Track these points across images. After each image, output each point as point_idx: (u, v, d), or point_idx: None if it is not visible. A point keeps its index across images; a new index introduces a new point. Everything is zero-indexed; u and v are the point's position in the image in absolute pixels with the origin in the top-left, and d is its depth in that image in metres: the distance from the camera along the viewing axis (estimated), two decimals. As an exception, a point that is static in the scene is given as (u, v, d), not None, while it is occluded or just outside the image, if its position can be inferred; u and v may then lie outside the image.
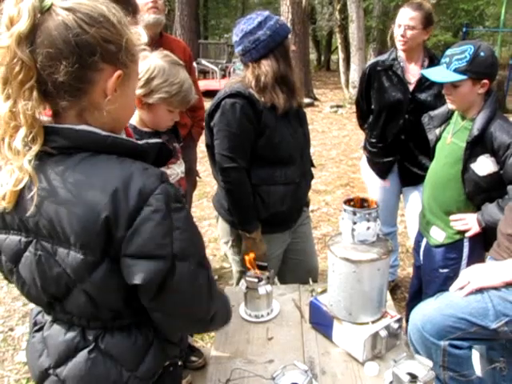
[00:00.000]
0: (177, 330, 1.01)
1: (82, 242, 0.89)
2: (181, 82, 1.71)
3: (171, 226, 0.91)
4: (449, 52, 1.97)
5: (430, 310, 1.76)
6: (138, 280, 0.90)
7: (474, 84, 1.94)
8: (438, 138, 2.20)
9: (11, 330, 2.90)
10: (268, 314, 1.75)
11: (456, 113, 2.12)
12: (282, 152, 1.98)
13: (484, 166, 1.96)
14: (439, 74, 1.99)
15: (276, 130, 1.95)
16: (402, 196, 2.98)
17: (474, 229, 2.03)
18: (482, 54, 1.90)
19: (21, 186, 0.89)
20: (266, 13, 1.92)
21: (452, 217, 2.10)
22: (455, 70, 1.92)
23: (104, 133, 0.92)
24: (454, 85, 1.95)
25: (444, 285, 2.14)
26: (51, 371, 1.05)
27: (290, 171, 2.01)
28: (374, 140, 2.84)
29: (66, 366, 1.03)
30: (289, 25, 9.85)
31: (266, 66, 1.90)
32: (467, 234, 2.07)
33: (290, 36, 1.94)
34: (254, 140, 1.94)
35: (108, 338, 1.01)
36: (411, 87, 2.61)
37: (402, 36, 2.53)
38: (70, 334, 1.02)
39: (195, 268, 0.95)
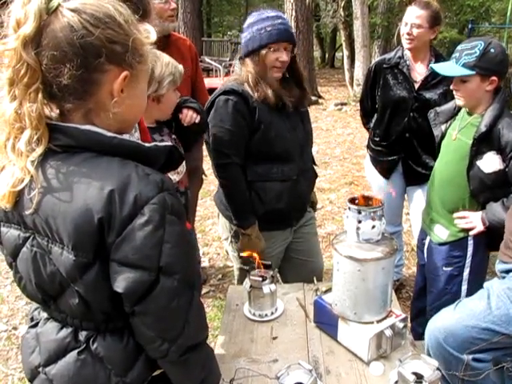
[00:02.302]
0: (149, 343, 0.97)
1: (74, 242, 0.88)
2: (169, 59, 1.77)
3: (162, 239, 0.89)
4: (459, 47, 1.96)
5: (452, 322, 1.72)
6: (119, 288, 0.90)
7: (483, 80, 1.92)
8: (444, 135, 2.18)
9: (15, 328, 2.91)
10: (272, 313, 1.74)
11: (462, 109, 2.10)
12: (277, 148, 1.99)
13: (490, 163, 1.94)
14: (448, 68, 1.98)
15: (271, 126, 1.95)
16: (406, 195, 2.96)
17: (478, 227, 2.01)
18: (492, 50, 1.89)
19: (21, 186, 0.89)
20: (266, 14, 1.93)
21: (456, 214, 2.08)
22: (464, 65, 1.91)
23: (109, 134, 0.91)
24: (463, 80, 1.94)
25: (448, 283, 2.13)
26: (40, 369, 1.05)
27: (287, 168, 2.01)
28: (377, 138, 2.83)
29: (55, 365, 1.02)
30: (292, 22, 9.97)
31: (248, 66, 1.96)
32: (471, 233, 2.05)
33: (272, 49, 1.90)
34: (249, 136, 1.96)
35: (100, 340, 1.00)
36: (417, 85, 2.60)
37: (409, 34, 2.52)
38: (62, 334, 1.01)
39: (178, 286, 0.93)
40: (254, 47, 1.92)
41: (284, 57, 1.92)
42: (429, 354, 1.77)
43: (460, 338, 1.68)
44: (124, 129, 1.00)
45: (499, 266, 1.84)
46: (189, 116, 1.91)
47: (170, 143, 1.01)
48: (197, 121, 1.93)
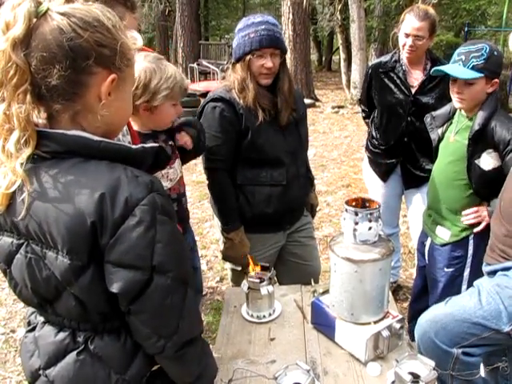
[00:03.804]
0: (146, 339, 0.99)
1: (68, 246, 0.89)
2: (173, 74, 1.75)
3: (153, 239, 0.91)
4: (463, 50, 1.96)
5: (442, 317, 1.74)
6: (115, 288, 0.92)
7: (487, 82, 1.95)
8: (441, 138, 2.20)
9: (13, 331, 2.91)
10: (270, 314, 1.75)
11: (458, 112, 2.12)
12: (266, 154, 2.01)
13: (488, 161, 1.96)
14: (458, 70, 1.96)
15: (259, 132, 1.97)
16: (403, 197, 2.98)
17: (486, 220, 2.02)
18: (495, 53, 1.92)
19: (13, 188, 0.90)
20: (251, 20, 1.93)
21: (464, 213, 2.09)
22: (473, 68, 1.91)
23: (96, 138, 0.92)
24: (469, 83, 1.94)
25: (449, 284, 2.14)
26: (41, 372, 1.06)
27: (277, 173, 2.03)
28: (376, 141, 2.84)
29: (55, 368, 1.03)
30: (289, 25, 9.97)
31: (236, 72, 1.98)
32: (478, 228, 2.05)
33: (256, 55, 1.92)
34: (238, 142, 1.99)
35: (97, 340, 1.01)
36: (413, 90, 2.60)
37: (411, 47, 2.51)
38: (61, 336, 1.02)
39: (172, 283, 0.95)
40: (239, 54, 1.95)
41: (269, 63, 1.92)
42: (419, 350, 1.78)
43: (451, 333, 1.70)
44: (112, 132, 1.02)
45: (486, 268, 1.86)
46: (183, 141, 1.89)
47: (156, 144, 1.01)
48: (187, 148, 1.91)
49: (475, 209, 2.07)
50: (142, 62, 1.70)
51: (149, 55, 1.76)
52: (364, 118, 3.05)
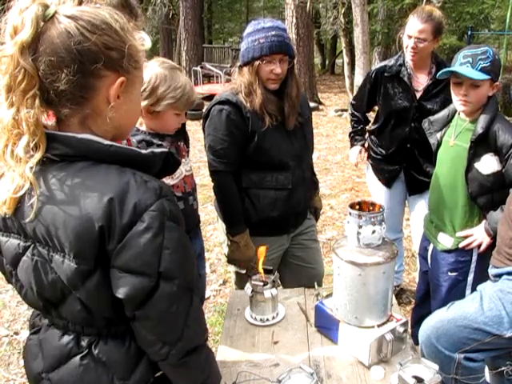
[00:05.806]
0: (150, 346, 0.99)
1: (75, 250, 0.89)
2: (183, 85, 1.75)
3: (161, 245, 0.91)
4: (469, 52, 1.95)
5: (444, 323, 1.74)
6: (121, 293, 0.91)
7: (491, 85, 1.96)
8: (440, 143, 2.19)
9: (16, 333, 2.92)
10: (273, 317, 1.75)
11: (456, 116, 2.12)
12: (272, 158, 2.01)
13: (488, 164, 1.96)
14: (468, 71, 1.94)
15: (266, 136, 1.97)
16: (407, 202, 2.96)
17: (486, 241, 2.02)
18: (497, 56, 1.94)
19: (21, 192, 0.89)
20: (262, 25, 1.93)
21: (459, 234, 2.08)
22: (481, 70, 1.91)
23: (106, 142, 0.92)
24: (476, 85, 1.94)
25: (453, 288, 2.13)
26: (44, 375, 1.06)
27: (282, 177, 2.03)
28: (379, 148, 2.83)
29: (58, 371, 1.03)
30: (293, 29, 9.98)
31: (244, 75, 1.97)
32: (480, 249, 2.05)
33: (265, 61, 1.91)
34: (244, 145, 1.99)
35: (102, 344, 1.01)
36: (418, 95, 2.58)
37: (413, 48, 2.49)
38: (64, 340, 1.02)
39: (178, 291, 0.95)
40: (248, 58, 1.94)
41: (277, 69, 1.92)
42: (422, 354, 1.78)
43: (452, 338, 1.70)
44: (120, 135, 1.01)
45: (492, 271, 1.86)
46: None
47: (165, 149, 1.01)
48: None
49: (470, 232, 2.06)
50: (157, 67, 1.73)
51: (166, 62, 1.78)
52: (354, 123, 3.03)
